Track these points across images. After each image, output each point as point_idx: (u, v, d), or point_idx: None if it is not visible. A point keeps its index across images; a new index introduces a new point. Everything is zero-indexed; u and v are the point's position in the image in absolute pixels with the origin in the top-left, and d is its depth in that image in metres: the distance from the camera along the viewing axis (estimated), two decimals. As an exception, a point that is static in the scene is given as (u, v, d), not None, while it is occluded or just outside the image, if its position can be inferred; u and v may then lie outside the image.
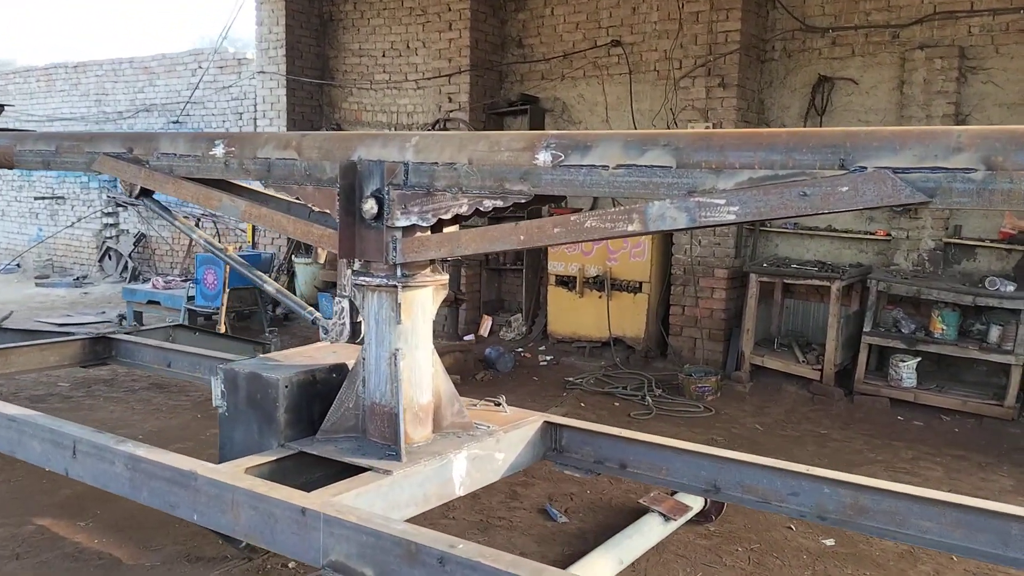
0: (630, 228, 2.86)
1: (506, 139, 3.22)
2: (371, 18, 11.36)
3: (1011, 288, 6.84)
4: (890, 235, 7.95)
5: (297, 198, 3.82)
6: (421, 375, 3.67)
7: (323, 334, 3.90)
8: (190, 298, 9.61)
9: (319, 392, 3.79)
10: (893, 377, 7.37)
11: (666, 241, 8.89)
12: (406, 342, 3.60)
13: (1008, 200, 2.33)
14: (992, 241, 7.45)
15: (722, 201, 2.68)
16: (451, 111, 10.14)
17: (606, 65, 9.67)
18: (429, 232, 3.49)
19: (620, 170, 2.85)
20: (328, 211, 3.65)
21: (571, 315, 9.36)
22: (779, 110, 8.61)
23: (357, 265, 3.67)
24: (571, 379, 8.31)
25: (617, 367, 8.75)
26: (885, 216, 8.00)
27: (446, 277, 3.65)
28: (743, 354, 8.11)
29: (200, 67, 12.82)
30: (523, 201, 3.18)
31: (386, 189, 3.44)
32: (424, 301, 3.67)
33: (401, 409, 3.52)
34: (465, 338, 9.77)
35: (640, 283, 8.86)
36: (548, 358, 9.26)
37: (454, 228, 3.65)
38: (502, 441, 3.87)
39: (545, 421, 4.15)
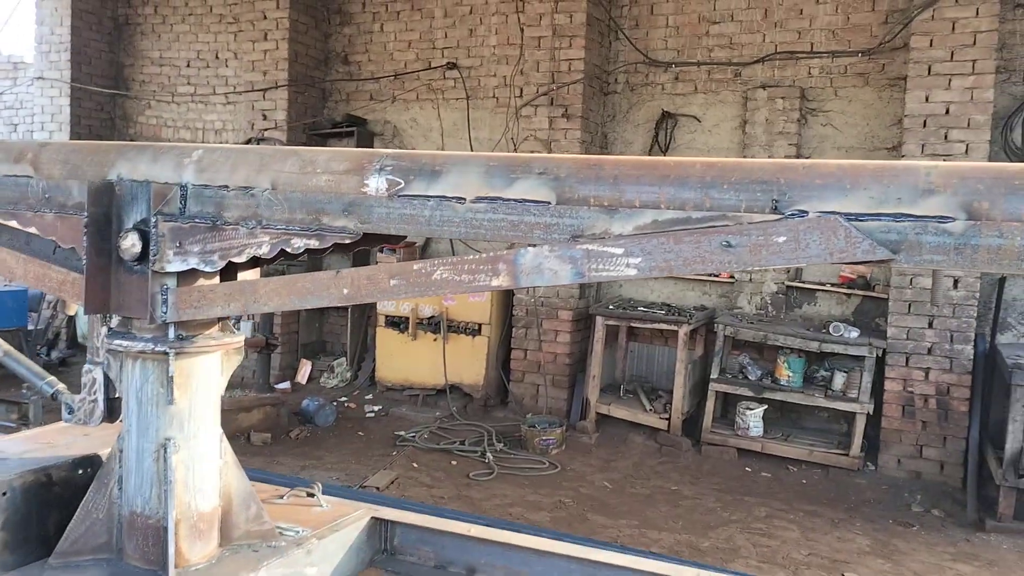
0: (495, 282, 2.09)
1: (324, 158, 2.39)
2: (174, 24, 10.09)
3: (855, 334, 6.69)
4: (733, 277, 7.70)
5: (34, 229, 2.79)
6: (203, 473, 2.72)
7: (66, 415, 2.85)
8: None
9: (57, 498, 2.73)
10: (740, 425, 7.04)
11: (505, 280, 8.23)
12: (181, 429, 2.65)
13: (997, 259, 1.76)
14: (832, 285, 7.34)
15: (619, 250, 1.97)
16: (266, 130, 9.06)
17: (441, 88, 8.97)
18: (216, 279, 2.58)
19: (481, 204, 2.08)
20: (76, 247, 2.66)
21: (403, 360, 8.49)
22: (623, 145, 8.22)
23: (114, 322, 2.68)
24: (402, 433, 7.43)
25: (454, 417, 7.97)
26: (728, 257, 7.73)
27: (240, 338, 2.73)
28: (588, 402, 7.55)
29: (-34, 69, 11.00)
30: (347, 242, 2.35)
31: (154, 220, 2.51)
32: (208, 372, 2.73)
33: (171, 521, 2.56)
34: (279, 387, 8.66)
35: (479, 325, 8.15)
36: (376, 408, 8.32)
37: (251, 273, 2.75)
38: (315, 552, 2.96)
39: (372, 517, 3.27)
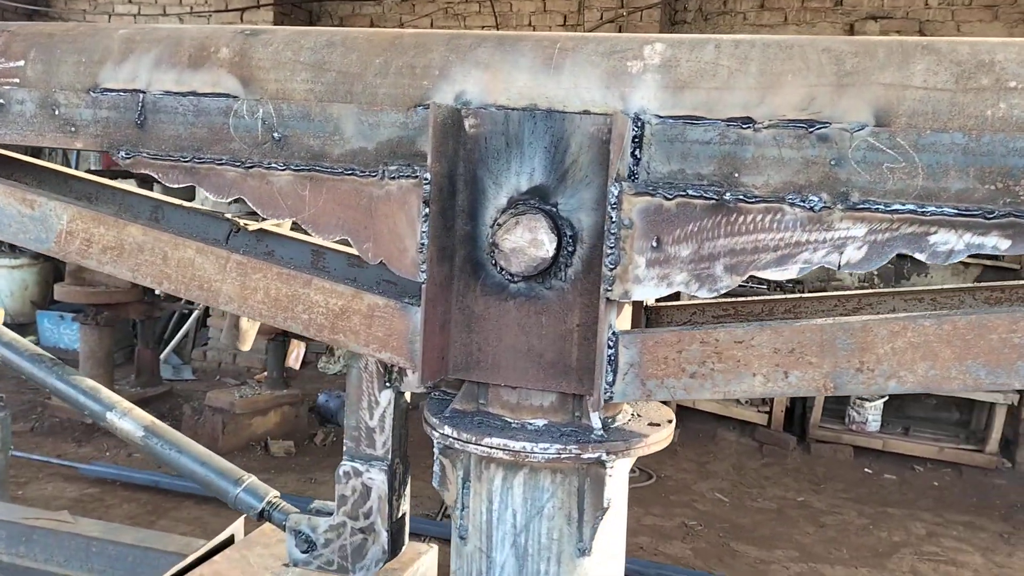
0: None
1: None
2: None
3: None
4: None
5: (231, 200, 1.43)
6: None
7: (297, 552, 1.51)
8: None
9: None
10: (855, 419, 6.10)
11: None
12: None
13: None
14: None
15: None
16: None
17: (463, 14, 7.52)
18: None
19: None
20: (366, 244, 1.33)
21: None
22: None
23: (468, 396, 1.39)
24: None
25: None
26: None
27: (669, 426, 1.48)
28: (668, 394, 6.45)
29: None
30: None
31: (614, 191, 1.20)
32: (623, 491, 1.47)
33: None
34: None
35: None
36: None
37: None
38: None
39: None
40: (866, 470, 5.98)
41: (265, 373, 6.52)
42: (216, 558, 1.73)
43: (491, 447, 1.24)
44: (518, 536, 1.30)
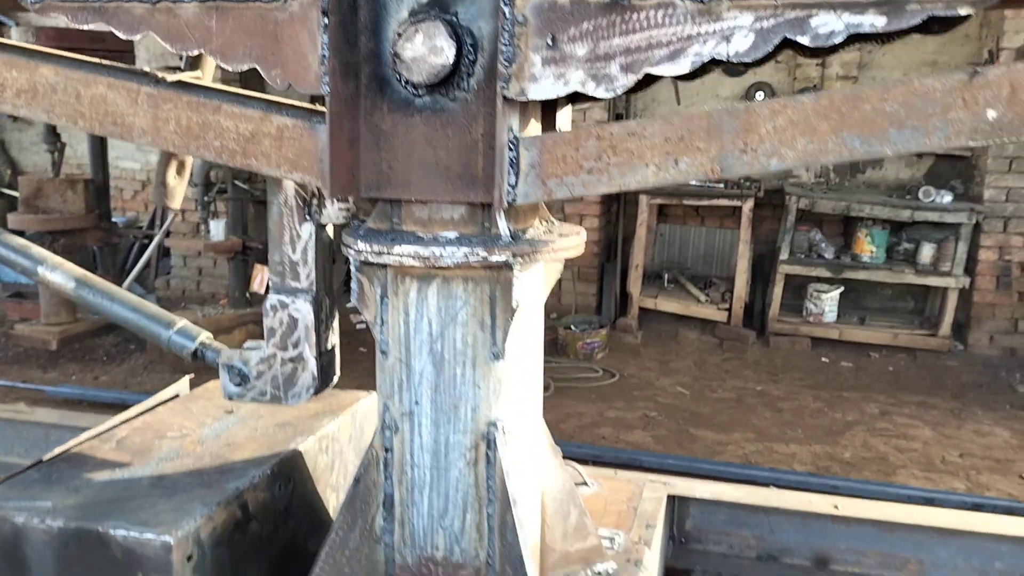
0: None
1: None
2: None
3: (948, 199, 5.91)
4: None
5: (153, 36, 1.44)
6: (532, 479, 1.54)
7: (231, 386, 1.56)
8: None
9: (252, 539, 1.49)
10: (812, 311, 6.24)
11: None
12: (511, 403, 1.45)
13: None
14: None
15: None
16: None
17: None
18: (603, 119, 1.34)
19: None
20: (274, 70, 1.36)
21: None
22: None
23: (380, 212, 1.43)
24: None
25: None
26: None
27: (578, 236, 1.54)
28: (631, 296, 6.55)
29: None
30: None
31: None
32: (535, 299, 1.53)
33: (529, 567, 1.41)
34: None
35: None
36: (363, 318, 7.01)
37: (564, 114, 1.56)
38: (648, 568, 1.87)
39: (668, 495, 2.18)
40: (823, 359, 6.15)
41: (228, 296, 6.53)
42: (159, 409, 1.78)
43: (402, 255, 1.29)
44: (435, 344, 1.35)
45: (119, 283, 7.19)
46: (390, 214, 1.37)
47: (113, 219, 6.87)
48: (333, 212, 1.48)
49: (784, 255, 6.17)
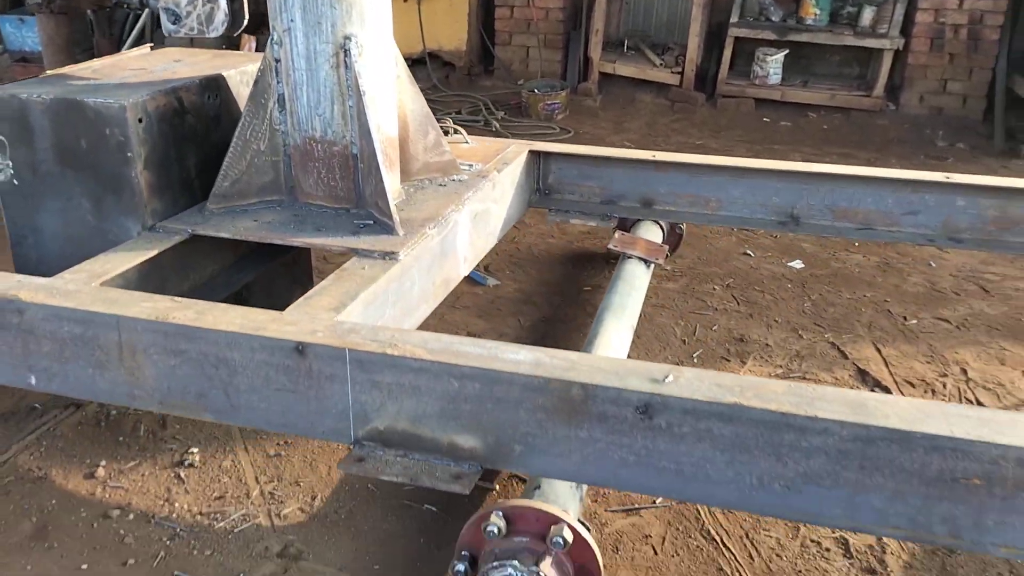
0: None
1: None
2: None
3: (892, -38, 6.17)
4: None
5: None
6: (383, 84, 2.14)
7: (170, 25, 2.14)
8: None
9: (191, 130, 2.12)
10: (758, 74, 6.67)
11: (485, -76, 7.18)
12: (362, 23, 2.03)
13: None
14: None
15: None
16: None
17: None
18: None
19: None
20: None
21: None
22: None
23: None
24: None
25: (437, 88, 7.27)
26: None
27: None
28: (591, 61, 6.97)
29: None
30: None
31: None
32: None
33: (377, 144, 2.03)
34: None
35: (457, -20, 7.20)
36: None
37: None
38: (497, 186, 2.51)
39: (529, 151, 2.80)
40: (764, 119, 6.64)
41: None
42: (123, 56, 2.37)
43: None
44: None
45: (117, 51, 7.60)
46: None
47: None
48: None
49: (734, 18, 6.52)
